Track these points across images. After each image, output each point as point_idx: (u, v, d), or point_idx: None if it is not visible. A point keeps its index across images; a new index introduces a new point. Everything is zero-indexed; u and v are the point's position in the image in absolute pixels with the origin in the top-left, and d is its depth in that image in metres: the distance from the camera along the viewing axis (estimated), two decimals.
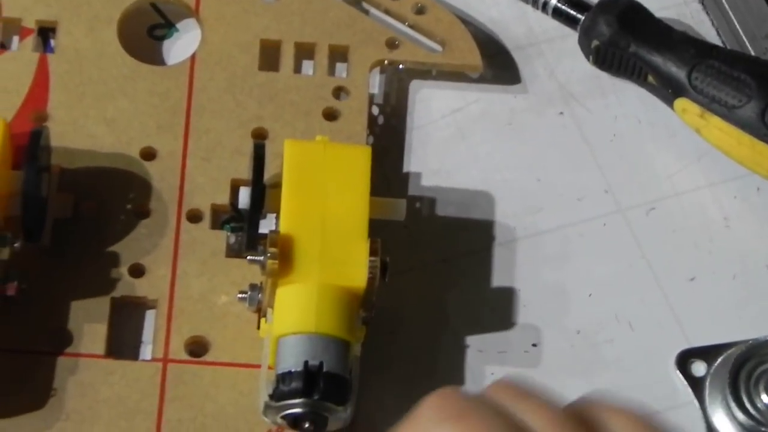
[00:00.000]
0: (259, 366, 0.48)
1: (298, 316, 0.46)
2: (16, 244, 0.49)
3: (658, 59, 0.55)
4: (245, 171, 0.53)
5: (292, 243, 0.47)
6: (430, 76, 0.58)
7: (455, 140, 0.57)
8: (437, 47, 0.58)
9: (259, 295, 0.48)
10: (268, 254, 0.46)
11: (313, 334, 0.46)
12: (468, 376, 0.52)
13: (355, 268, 0.47)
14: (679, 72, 0.55)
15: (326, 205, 0.48)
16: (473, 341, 0.52)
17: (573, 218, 0.55)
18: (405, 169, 0.56)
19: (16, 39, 0.56)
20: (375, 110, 0.57)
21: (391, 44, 0.57)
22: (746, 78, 0.54)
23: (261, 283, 0.48)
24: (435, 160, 0.56)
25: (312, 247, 0.47)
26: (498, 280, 0.54)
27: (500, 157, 0.57)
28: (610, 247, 0.55)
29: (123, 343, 0.51)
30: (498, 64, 0.59)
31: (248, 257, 0.48)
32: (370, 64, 0.57)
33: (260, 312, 0.49)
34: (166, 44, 0.58)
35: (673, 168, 0.57)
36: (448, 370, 0.52)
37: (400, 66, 0.57)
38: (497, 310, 0.53)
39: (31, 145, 0.49)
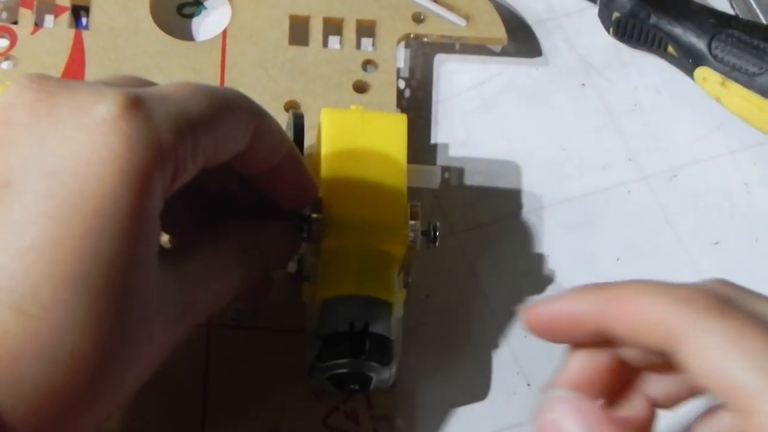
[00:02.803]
0: (301, 330, 0.50)
1: (342, 279, 0.47)
2: None
3: (678, 30, 0.57)
4: None
5: (334, 208, 0.48)
6: (454, 50, 0.60)
7: (480, 112, 0.58)
8: (461, 21, 0.59)
9: (299, 259, 0.50)
10: (312, 219, 0.47)
11: (357, 296, 0.47)
12: (501, 339, 0.53)
13: (395, 232, 0.48)
14: (699, 42, 0.57)
15: (365, 171, 0.49)
16: (503, 304, 0.54)
17: (598, 186, 0.57)
18: (432, 141, 0.57)
19: (49, 18, 0.57)
20: (401, 84, 0.59)
21: (417, 18, 0.59)
22: (766, 46, 0.56)
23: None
24: (461, 132, 0.58)
25: (353, 212, 0.48)
26: (527, 246, 0.55)
27: (525, 127, 0.58)
28: (635, 213, 0.56)
29: None
30: (519, 39, 0.60)
31: (291, 223, 0.49)
32: (397, 38, 0.58)
33: (301, 276, 0.50)
34: (195, 22, 0.59)
35: (693, 136, 0.58)
36: (481, 332, 0.53)
37: (425, 39, 0.59)
38: (527, 275, 0.54)
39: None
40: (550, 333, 0.40)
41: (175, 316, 0.41)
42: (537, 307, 0.41)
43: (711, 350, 0.36)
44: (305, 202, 0.48)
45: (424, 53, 0.59)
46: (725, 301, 0.37)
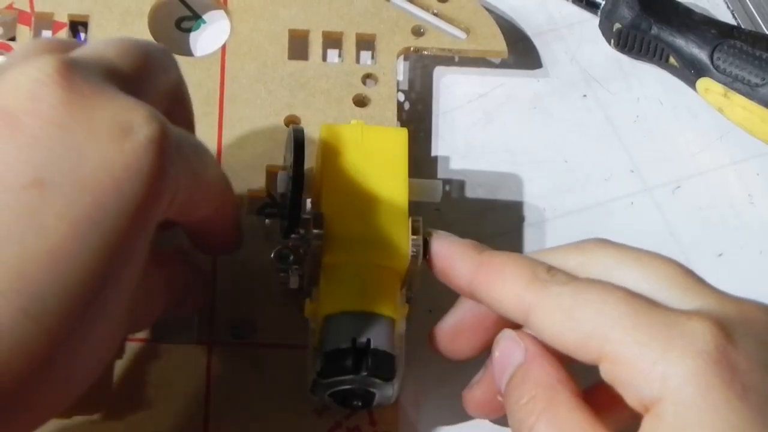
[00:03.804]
0: (303, 346, 0.49)
1: (344, 295, 0.47)
2: None
3: (680, 41, 0.57)
4: (279, 158, 0.53)
5: (335, 224, 0.48)
6: (453, 62, 0.59)
7: (482, 124, 0.58)
8: (461, 34, 0.59)
9: (300, 276, 0.49)
10: (313, 234, 0.47)
11: (359, 312, 0.47)
12: None
13: (397, 247, 0.48)
14: (701, 52, 0.56)
15: (365, 186, 0.49)
16: None
17: (601, 198, 0.57)
18: (433, 154, 0.57)
19: (47, 34, 0.57)
20: (401, 96, 0.58)
21: (417, 32, 0.58)
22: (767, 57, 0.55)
23: (296, 266, 0.49)
24: (462, 144, 0.57)
25: (354, 227, 0.48)
26: None
27: (527, 139, 0.58)
28: (638, 225, 0.56)
29: (168, 326, 0.51)
30: (520, 50, 0.60)
31: (292, 238, 0.48)
32: (398, 52, 0.58)
33: (302, 292, 0.50)
34: (193, 36, 0.59)
35: (696, 147, 0.58)
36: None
37: (425, 52, 0.58)
38: None
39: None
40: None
41: (122, 334, 0.43)
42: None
43: (558, 311, 0.42)
44: (224, 252, 0.49)
45: (423, 65, 0.59)
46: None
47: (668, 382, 0.39)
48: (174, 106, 0.44)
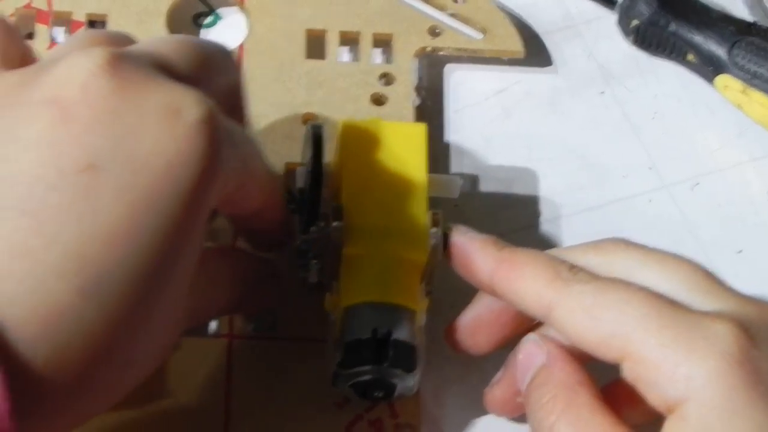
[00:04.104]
0: (323, 339, 0.49)
1: (365, 286, 0.47)
2: None
3: (698, 37, 0.57)
4: (298, 155, 0.53)
5: (355, 215, 0.48)
6: (464, 60, 0.59)
7: (498, 121, 0.58)
8: (477, 35, 0.59)
9: (320, 270, 0.49)
10: (334, 227, 0.47)
11: (380, 303, 0.47)
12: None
13: (417, 238, 0.48)
14: (719, 49, 0.56)
15: (385, 179, 0.49)
16: None
17: (619, 195, 0.56)
18: (448, 150, 0.57)
19: (61, 30, 0.57)
20: (413, 94, 0.58)
21: (433, 32, 0.58)
22: None
23: (315, 260, 0.49)
24: (479, 140, 0.57)
25: (374, 219, 0.48)
26: None
27: (544, 136, 0.58)
28: (656, 222, 0.56)
29: None
30: (537, 47, 0.60)
31: (311, 232, 0.48)
32: (414, 51, 0.58)
33: (322, 285, 0.49)
34: (211, 33, 0.59)
35: (714, 144, 0.58)
36: None
37: (441, 52, 0.58)
38: None
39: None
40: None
41: (181, 324, 0.42)
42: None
43: (580, 310, 0.42)
44: (273, 248, 0.49)
45: (435, 63, 0.59)
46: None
47: (692, 384, 0.39)
48: (230, 108, 0.44)
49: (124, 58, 0.39)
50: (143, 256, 0.38)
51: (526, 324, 0.48)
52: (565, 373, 0.43)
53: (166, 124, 0.38)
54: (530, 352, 0.44)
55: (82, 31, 0.52)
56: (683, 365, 0.39)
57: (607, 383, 0.45)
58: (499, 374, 0.48)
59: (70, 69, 0.38)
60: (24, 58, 0.42)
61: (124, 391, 0.40)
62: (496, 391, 0.48)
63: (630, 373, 0.41)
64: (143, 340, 0.39)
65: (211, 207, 0.41)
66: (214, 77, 0.43)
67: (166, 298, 0.39)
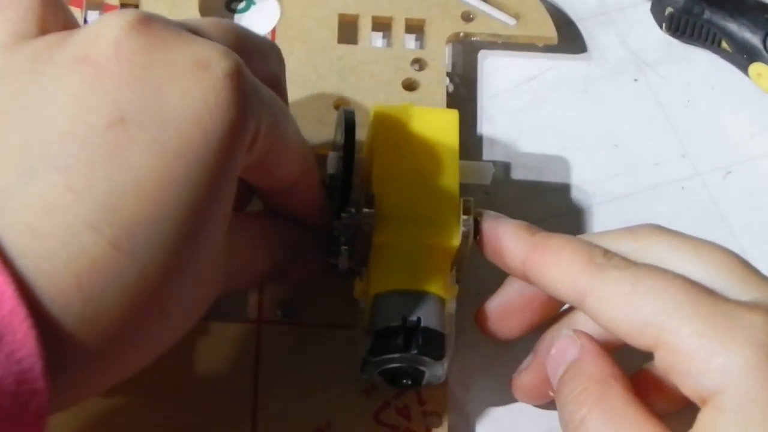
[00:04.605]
0: (351, 326, 0.49)
1: (395, 274, 0.47)
2: None
3: (732, 25, 0.56)
4: (330, 141, 0.53)
5: (386, 203, 0.48)
6: (498, 46, 0.59)
7: (530, 108, 0.58)
8: (510, 21, 0.59)
9: (350, 256, 0.49)
10: (365, 214, 0.47)
11: (410, 291, 0.47)
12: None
13: (448, 226, 0.48)
14: (753, 37, 0.56)
15: (416, 167, 0.49)
16: None
17: (651, 182, 0.56)
18: (479, 137, 0.57)
19: (95, 15, 0.57)
20: (446, 80, 0.58)
21: (466, 17, 0.58)
22: None
23: (346, 246, 0.49)
24: (511, 127, 0.57)
25: (405, 207, 0.48)
26: None
27: (576, 123, 0.57)
28: (689, 210, 0.56)
29: (218, 305, 0.51)
30: (570, 34, 0.60)
31: (342, 218, 0.48)
32: (446, 37, 0.58)
33: (352, 272, 0.49)
34: (244, 20, 0.59)
35: (747, 132, 0.57)
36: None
37: (474, 38, 0.58)
38: None
39: None
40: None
41: (217, 282, 0.43)
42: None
43: (615, 297, 0.42)
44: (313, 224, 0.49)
45: (468, 49, 0.59)
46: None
47: (728, 375, 0.39)
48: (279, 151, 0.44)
49: (155, 17, 0.40)
50: (175, 208, 0.38)
51: (556, 309, 0.48)
52: (597, 366, 0.43)
53: (195, 77, 0.39)
54: (564, 346, 0.44)
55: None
56: (719, 355, 0.39)
57: (635, 372, 0.45)
58: (527, 361, 0.48)
59: (101, 27, 0.39)
60: (66, 26, 0.42)
61: (162, 346, 0.41)
62: (524, 377, 0.48)
63: (663, 362, 0.41)
64: (179, 293, 0.39)
65: (242, 161, 0.41)
66: (253, 60, 0.42)
67: (200, 249, 0.40)
